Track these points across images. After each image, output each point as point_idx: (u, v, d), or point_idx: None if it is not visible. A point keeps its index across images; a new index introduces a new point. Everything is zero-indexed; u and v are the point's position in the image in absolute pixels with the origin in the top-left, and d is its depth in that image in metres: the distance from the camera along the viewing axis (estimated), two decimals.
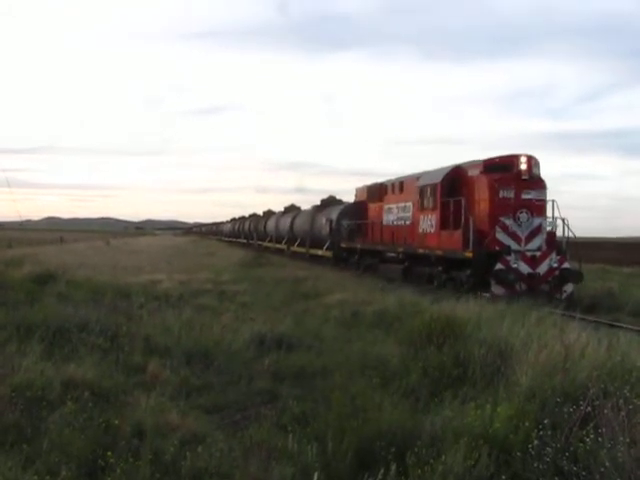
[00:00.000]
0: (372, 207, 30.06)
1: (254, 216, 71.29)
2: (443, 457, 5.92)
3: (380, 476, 5.63)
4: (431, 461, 5.92)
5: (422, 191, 23.26)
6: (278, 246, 51.48)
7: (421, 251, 22.89)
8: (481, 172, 20.34)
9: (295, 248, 45.11)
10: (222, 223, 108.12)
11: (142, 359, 10.44)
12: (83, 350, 10.58)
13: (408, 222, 24.96)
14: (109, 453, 6.19)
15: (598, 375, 7.40)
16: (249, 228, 68.84)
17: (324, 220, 37.02)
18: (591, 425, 6.22)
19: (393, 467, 5.75)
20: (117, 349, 10.98)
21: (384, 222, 27.79)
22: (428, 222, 22.70)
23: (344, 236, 32.98)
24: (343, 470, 6.21)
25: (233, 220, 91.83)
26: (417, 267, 23.76)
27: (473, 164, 21.24)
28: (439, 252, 21.36)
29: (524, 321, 11.13)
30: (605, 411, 6.09)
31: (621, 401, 6.23)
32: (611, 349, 8.94)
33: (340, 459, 6.37)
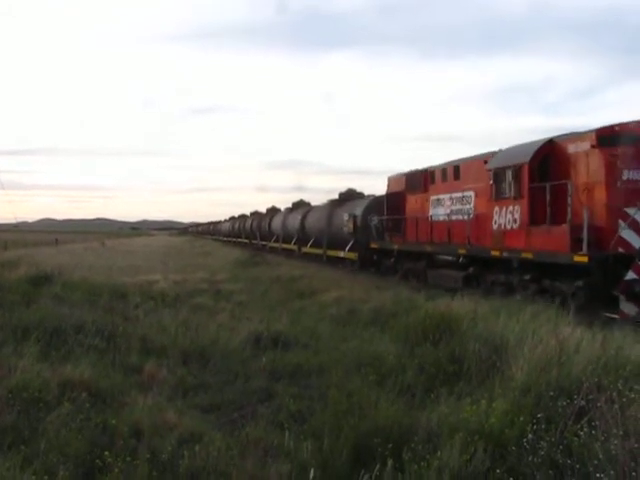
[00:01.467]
0: (412, 199, 24.34)
1: (256, 214, 65.42)
2: (439, 452, 5.97)
3: (376, 472, 5.67)
4: (427, 457, 5.95)
5: (497, 175, 17.70)
6: (286, 246, 45.67)
7: (497, 254, 17.47)
8: (593, 146, 14.88)
9: (308, 249, 39.34)
10: (220, 222, 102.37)
11: (139, 359, 10.47)
12: (79, 351, 10.61)
13: (469, 216, 19.43)
14: (106, 453, 6.22)
15: (592, 369, 7.45)
16: (251, 227, 63.32)
17: (345, 217, 31.50)
18: (585, 419, 6.26)
19: (389, 463, 5.78)
20: (114, 349, 11.02)
21: (432, 217, 22.15)
22: (508, 216, 17.28)
23: (374, 235, 27.50)
24: (340, 467, 6.24)
25: (232, 219, 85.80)
26: (488, 274, 18.36)
27: (577, 137, 15.83)
28: (527, 255, 16.08)
29: (519, 316, 11.17)
30: (599, 405, 6.14)
31: (615, 394, 6.27)
32: (605, 343, 8.98)
33: (336, 456, 6.40)
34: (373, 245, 27.34)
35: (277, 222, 50.85)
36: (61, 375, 8.65)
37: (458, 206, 20.52)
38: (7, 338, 10.91)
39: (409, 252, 23.59)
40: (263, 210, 63.05)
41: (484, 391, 7.80)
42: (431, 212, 22.32)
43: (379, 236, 27.22)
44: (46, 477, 5.78)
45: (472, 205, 19.63)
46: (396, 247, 24.81)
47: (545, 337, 8.96)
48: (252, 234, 61.62)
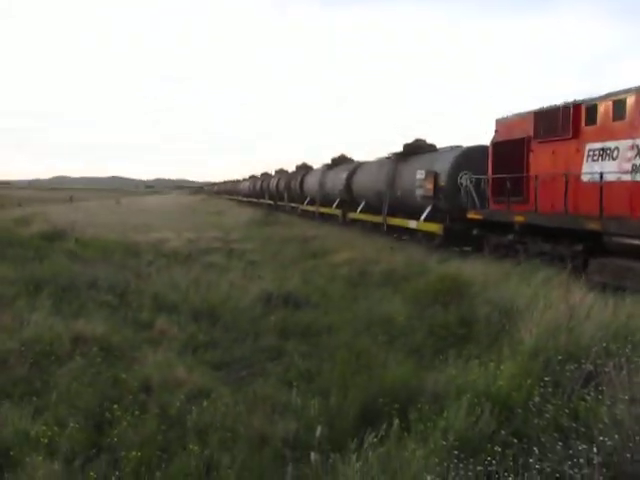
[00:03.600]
0: (545, 149, 16.48)
1: (283, 172, 57.62)
2: (445, 413, 5.99)
3: (382, 431, 5.71)
4: (433, 417, 5.99)
5: None
6: (325, 211, 37.66)
7: None
8: None
9: (357, 215, 31.43)
10: (239, 181, 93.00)
11: (150, 316, 10.57)
12: (92, 306, 10.72)
13: None
14: (115, 407, 6.31)
15: (602, 335, 7.44)
16: (277, 187, 55.12)
17: (420, 174, 23.65)
18: (593, 384, 6.27)
19: (395, 422, 5.82)
20: (125, 306, 11.13)
21: (587, 176, 14.55)
22: None
23: (469, 200, 19.78)
24: (346, 425, 6.29)
25: (253, 178, 76.24)
26: None
27: None
28: None
29: (530, 281, 11.15)
30: (607, 370, 6.13)
31: (623, 360, 6.26)
32: (617, 310, 8.96)
33: (343, 415, 6.45)
34: (472, 215, 19.28)
35: (312, 181, 42.67)
36: (73, 330, 8.76)
37: None
38: (20, 292, 11.04)
39: (542, 228, 15.80)
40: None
41: (493, 354, 7.81)
42: (586, 169, 14.72)
43: (480, 202, 19.53)
44: (56, 428, 5.87)
45: None
46: (519, 219, 16.62)
47: (556, 302, 8.94)
48: (278, 195, 54.30)
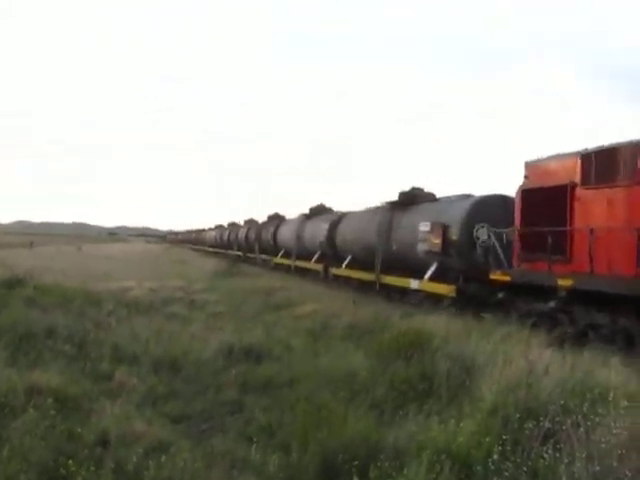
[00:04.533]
0: (599, 199, 13.64)
1: (253, 222, 54.92)
2: (405, 470, 5.98)
3: None
4: (393, 474, 5.97)
5: None
6: (301, 264, 34.23)
7: None
8: None
9: (342, 270, 27.87)
10: (204, 230, 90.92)
11: (109, 367, 10.42)
12: (49, 356, 10.53)
13: None
14: (70, 462, 6.16)
15: (560, 392, 7.52)
16: (246, 237, 52.58)
17: (424, 226, 20.60)
18: (551, 441, 6.32)
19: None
20: (84, 356, 10.95)
21: None
22: None
23: (495, 258, 16.72)
24: None
25: (220, 228, 73.73)
26: None
27: None
28: None
29: (490, 337, 11.27)
30: (564, 427, 6.20)
31: (580, 418, 6.34)
32: (575, 366, 9.08)
33: (304, 470, 6.40)
34: (497, 276, 16.27)
35: (287, 232, 39.57)
36: (28, 380, 8.57)
37: None
38: None
39: (599, 295, 12.74)
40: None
41: (453, 410, 7.84)
42: None
43: (506, 259, 16.55)
44: None
45: None
46: (565, 283, 13.57)
47: (515, 358, 9.03)
48: (248, 246, 51.53)
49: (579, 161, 14.30)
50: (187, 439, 7.57)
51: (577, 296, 13.34)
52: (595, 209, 13.75)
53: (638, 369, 9.45)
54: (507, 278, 15.87)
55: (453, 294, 18.08)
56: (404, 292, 21.36)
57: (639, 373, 9.13)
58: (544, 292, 14.23)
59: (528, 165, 16.42)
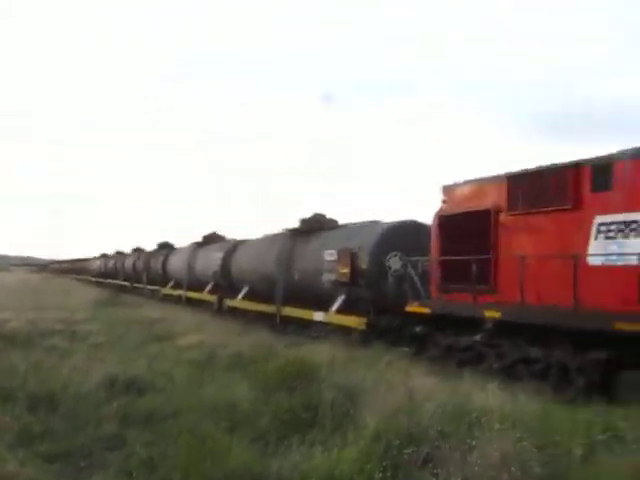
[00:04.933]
0: (526, 225, 13.11)
1: (140, 251, 53.29)
2: None
3: None
4: None
5: None
6: (193, 295, 32.88)
7: None
8: None
9: (238, 302, 26.53)
10: (88, 260, 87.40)
11: None
12: None
13: None
14: None
15: (440, 417, 7.78)
16: (134, 267, 50.25)
17: (328, 255, 19.41)
18: (430, 465, 6.52)
19: None
20: None
21: (604, 259, 11.37)
22: None
23: (412, 289, 15.49)
24: None
25: (105, 257, 70.34)
26: None
27: None
28: None
29: (375, 366, 11.50)
30: (442, 451, 6.42)
31: (457, 441, 6.58)
32: (454, 392, 9.40)
33: None
34: (415, 308, 15.18)
35: (177, 261, 38.07)
36: None
37: None
38: None
39: (530, 327, 12.23)
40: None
41: (337, 438, 7.93)
42: (595, 249, 11.51)
43: (423, 290, 15.35)
44: None
45: None
46: (493, 315, 12.87)
47: (398, 386, 9.27)
48: (135, 275, 49.22)
49: (505, 184, 13.53)
50: (63, 478, 7.28)
51: (505, 329, 12.60)
52: (522, 236, 13.18)
53: (514, 392, 9.86)
54: (426, 310, 14.83)
55: (363, 327, 16.98)
56: (308, 325, 20.03)
57: (515, 396, 9.53)
58: (467, 325, 13.41)
59: (446, 189, 15.49)
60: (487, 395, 9.12)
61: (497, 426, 6.95)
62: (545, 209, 12.57)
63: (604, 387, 10.55)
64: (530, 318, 12.16)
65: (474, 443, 6.64)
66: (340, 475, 6.50)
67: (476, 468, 6.04)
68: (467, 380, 10.55)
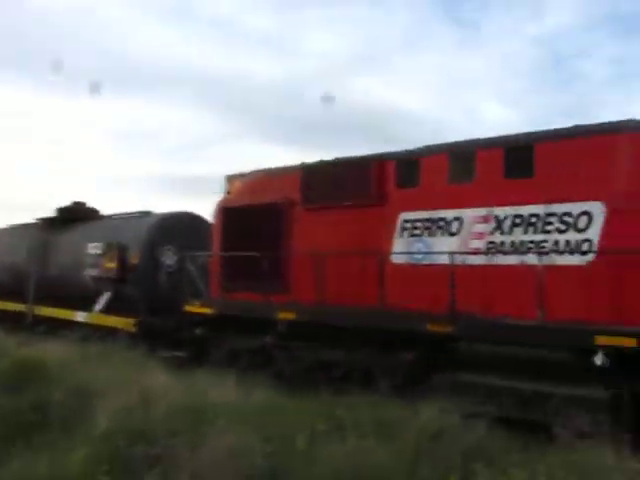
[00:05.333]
0: (323, 220, 12.36)
1: None
2: None
3: None
4: None
5: None
6: None
7: None
8: None
9: None
10: None
11: None
12: None
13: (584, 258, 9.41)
14: None
15: (172, 414, 7.82)
16: None
17: (91, 248, 17.50)
18: (160, 463, 6.55)
19: None
20: None
21: (407, 258, 11.15)
22: None
23: (190, 286, 14.10)
24: None
25: None
26: None
27: None
28: None
29: (110, 363, 11.23)
30: (172, 449, 6.49)
31: (188, 438, 6.68)
32: (190, 389, 9.46)
33: None
34: (196, 308, 13.86)
35: None
36: None
37: (527, 235, 10.00)
38: None
39: (329, 328, 11.46)
40: None
41: (67, 440, 7.67)
42: (399, 246, 11.31)
43: (204, 288, 14.15)
44: None
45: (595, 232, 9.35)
46: (287, 316, 12.07)
47: (133, 384, 9.14)
48: None
49: (299, 176, 12.76)
50: None
51: (302, 331, 11.84)
52: (318, 232, 12.36)
53: (249, 388, 10.02)
54: (208, 310, 13.59)
55: (132, 328, 15.29)
56: (70, 326, 17.00)
57: (249, 391, 9.73)
58: (257, 327, 12.54)
59: (231, 179, 14.39)
60: (223, 392, 9.29)
61: (223, 421, 7.14)
62: (346, 204, 12.00)
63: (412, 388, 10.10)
64: (329, 319, 11.50)
65: (203, 439, 6.78)
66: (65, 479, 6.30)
67: (204, 463, 6.18)
68: (203, 377, 10.61)
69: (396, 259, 11.31)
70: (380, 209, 11.63)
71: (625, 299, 9.05)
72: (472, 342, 10.18)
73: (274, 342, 12.31)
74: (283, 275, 12.76)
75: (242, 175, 14.31)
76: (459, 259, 10.38)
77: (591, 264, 9.39)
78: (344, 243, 11.97)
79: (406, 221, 11.35)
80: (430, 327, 10.22)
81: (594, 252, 9.38)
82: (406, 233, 11.36)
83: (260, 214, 13.26)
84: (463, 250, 10.50)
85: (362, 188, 11.86)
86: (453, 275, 10.11)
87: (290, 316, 12.02)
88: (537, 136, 10.26)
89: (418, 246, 11.18)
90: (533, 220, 10.04)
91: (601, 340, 8.73)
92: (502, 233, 10.34)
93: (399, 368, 10.65)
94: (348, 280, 11.69)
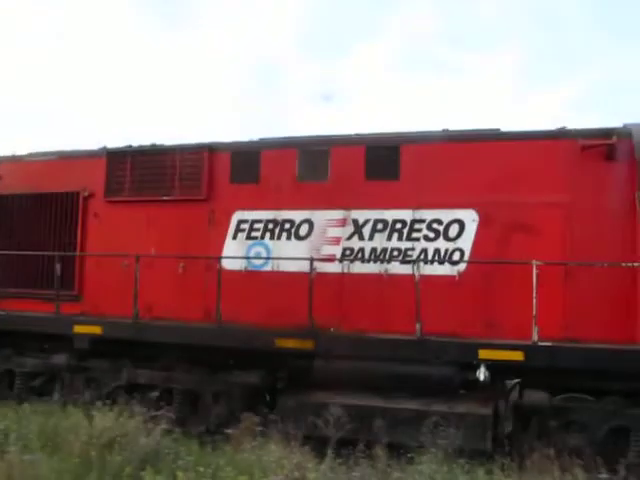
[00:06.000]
0: (131, 215, 10.73)
1: None
2: None
3: None
4: None
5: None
6: None
7: None
8: None
9: None
10: None
11: None
12: None
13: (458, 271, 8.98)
14: None
15: None
16: None
17: None
18: None
19: None
20: None
21: (244, 264, 9.95)
22: None
23: None
24: None
25: None
26: None
27: None
28: None
29: None
30: None
31: None
32: None
33: None
34: None
35: None
36: None
37: (393, 242, 9.18)
38: None
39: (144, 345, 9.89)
40: None
41: None
42: (234, 249, 10.03)
43: None
44: None
45: (468, 244, 8.94)
46: (91, 330, 10.11)
47: None
48: None
49: (104, 163, 10.78)
50: None
51: (105, 348, 9.96)
52: (123, 229, 10.54)
53: None
54: None
55: None
56: None
57: None
58: (34, 342, 10.52)
59: (3, 162, 11.84)
60: None
61: None
62: (164, 197, 10.34)
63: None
64: (147, 335, 9.64)
65: None
66: None
67: None
68: None
69: (228, 265, 9.76)
70: (208, 206, 10.18)
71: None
72: (329, 360, 8.91)
73: (71, 362, 10.27)
74: (75, 280, 10.70)
75: (21, 157, 11.74)
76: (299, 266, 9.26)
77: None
78: (161, 245, 10.24)
79: (240, 221, 9.97)
80: (280, 343, 8.90)
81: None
82: (239, 235, 9.94)
83: (45, 205, 11.06)
84: (316, 257, 9.29)
85: (187, 181, 10.30)
86: (312, 284, 8.83)
87: (95, 331, 9.91)
88: (400, 135, 9.62)
89: (257, 250, 9.85)
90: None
91: (484, 354, 8.23)
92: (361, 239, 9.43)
93: (240, 391, 9.34)
94: (165, 289, 10.06)
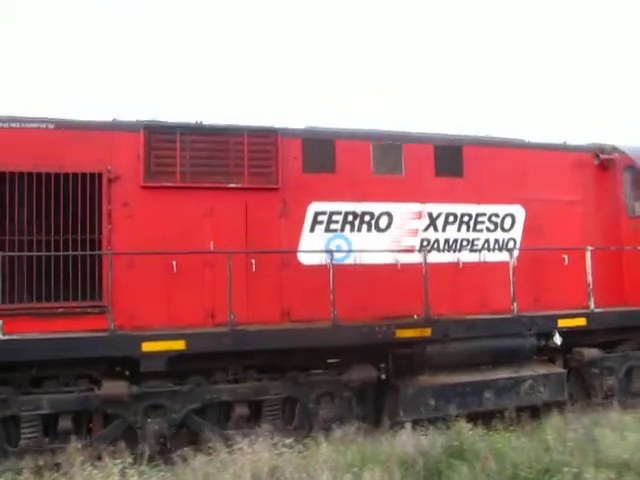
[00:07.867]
0: (181, 203, 8.52)
1: None
2: None
3: None
4: None
5: None
6: None
7: None
8: None
9: None
10: None
11: None
12: None
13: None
14: None
15: None
16: None
17: None
18: None
19: None
20: None
21: (321, 257, 8.84)
22: None
23: None
24: None
25: None
26: None
27: None
28: None
29: None
30: None
31: None
32: None
33: None
34: None
35: None
36: None
37: (462, 232, 10.37)
38: None
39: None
40: None
41: None
42: (311, 244, 9.36)
43: None
44: None
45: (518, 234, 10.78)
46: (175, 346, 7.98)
47: None
48: None
49: (140, 140, 8.87)
50: None
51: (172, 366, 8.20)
52: (173, 221, 8.97)
53: None
54: None
55: None
56: None
57: None
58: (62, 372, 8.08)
59: None
60: None
61: None
62: (230, 185, 9.24)
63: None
64: (248, 342, 8.50)
65: None
66: None
67: None
68: None
69: (306, 260, 9.58)
70: (281, 196, 9.61)
71: None
72: (443, 344, 9.58)
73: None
74: (102, 287, 8.60)
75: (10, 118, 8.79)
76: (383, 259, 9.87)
77: None
78: (222, 238, 9.17)
79: (318, 213, 9.71)
80: (400, 334, 9.18)
81: None
82: (317, 228, 9.71)
83: (40, 189, 8.57)
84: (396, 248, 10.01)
85: (257, 167, 9.47)
86: (426, 276, 9.34)
87: (176, 346, 8.25)
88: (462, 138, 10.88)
89: (338, 243, 9.78)
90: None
91: (562, 323, 10.42)
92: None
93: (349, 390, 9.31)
94: (235, 289, 8.64)
